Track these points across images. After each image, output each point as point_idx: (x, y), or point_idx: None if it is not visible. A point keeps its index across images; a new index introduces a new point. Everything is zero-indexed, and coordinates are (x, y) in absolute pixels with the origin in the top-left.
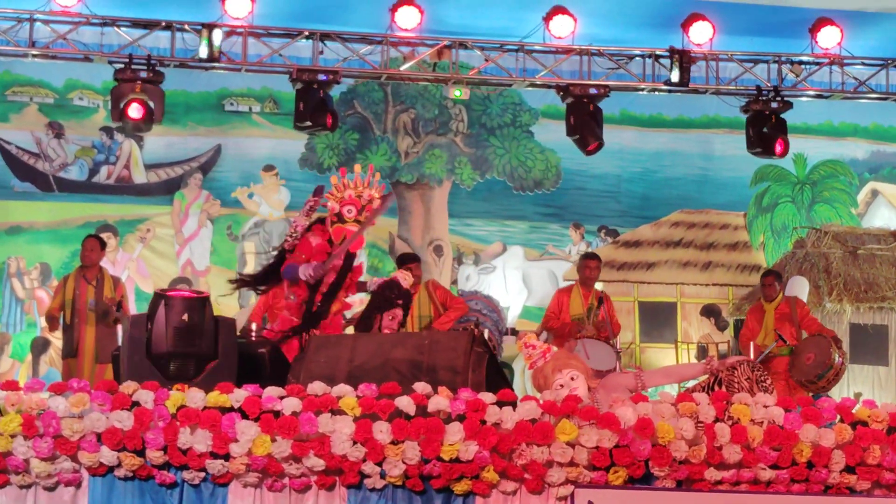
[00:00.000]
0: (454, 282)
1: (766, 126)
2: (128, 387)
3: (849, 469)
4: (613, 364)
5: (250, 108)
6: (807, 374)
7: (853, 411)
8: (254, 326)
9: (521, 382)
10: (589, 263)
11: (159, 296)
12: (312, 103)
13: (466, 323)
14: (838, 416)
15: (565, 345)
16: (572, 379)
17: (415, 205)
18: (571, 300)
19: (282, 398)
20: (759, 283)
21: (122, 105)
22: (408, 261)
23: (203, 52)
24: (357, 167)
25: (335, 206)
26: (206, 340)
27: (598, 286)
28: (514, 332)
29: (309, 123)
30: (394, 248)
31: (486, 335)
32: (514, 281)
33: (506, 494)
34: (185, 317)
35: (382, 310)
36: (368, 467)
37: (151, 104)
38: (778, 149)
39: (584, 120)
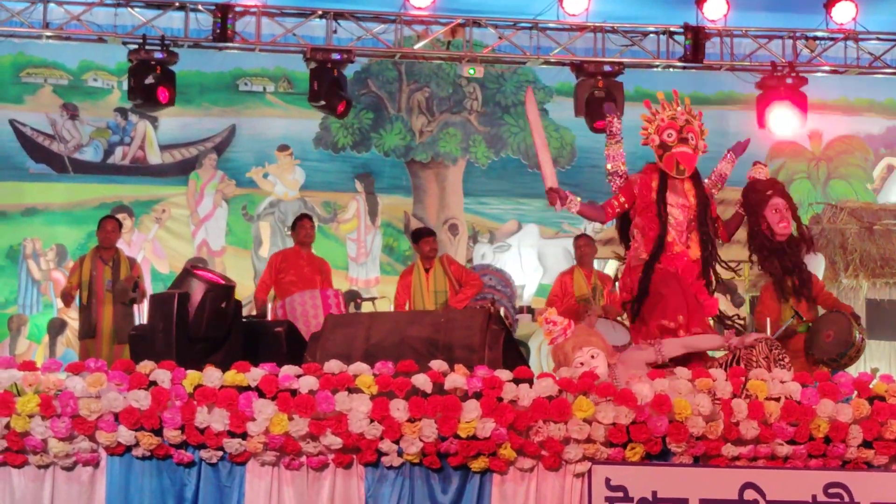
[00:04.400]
0: (469, 260)
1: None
2: (145, 367)
3: (866, 444)
4: (626, 340)
5: (264, 88)
6: (828, 352)
7: (870, 386)
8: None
9: (538, 360)
10: (577, 243)
11: (200, 279)
12: (327, 82)
13: (483, 301)
14: (855, 392)
15: (585, 320)
16: (592, 357)
17: (430, 184)
18: (575, 282)
19: (298, 377)
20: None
21: (144, 86)
22: (422, 235)
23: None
24: (660, 94)
25: (655, 138)
26: (229, 324)
27: (613, 264)
28: (529, 310)
29: (323, 103)
30: (409, 227)
31: (502, 312)
32: (530, 259)
33: (523, 471)
34: (224, 304)
35: (760, 211)
36: (385, 445)
37: (167, 83)
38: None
39: (592, 98)
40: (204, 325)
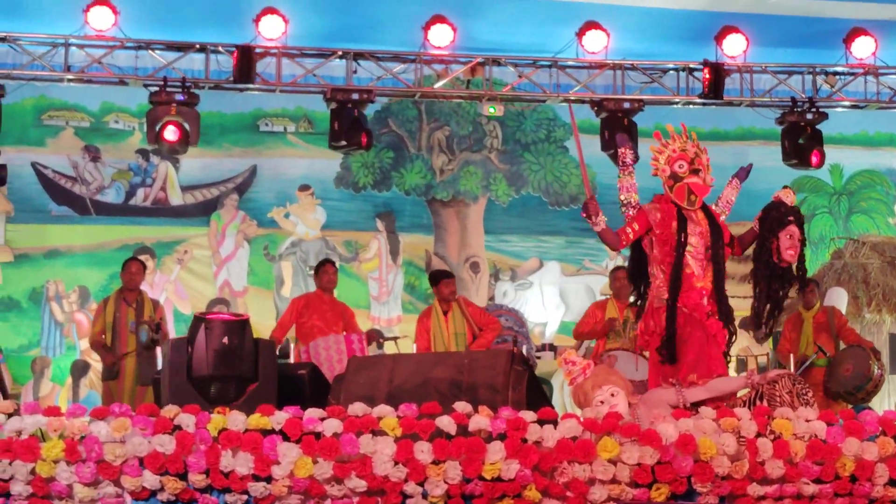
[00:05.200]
0: (491, 298)
1: (801, 137)
2: (169, 410)
3: (892, 482)
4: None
5: (285, 129)
6: (845, 385)
7: (895, 423)
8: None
9: (560, 398)
10: (615, 275)
11: (199, 319)
12: (347, 122)
13: (503, 344)
14: (881, 429)
15: (605, 360)
16: (612, 395)
17: (451, 222)
18: (607, 313)
19: (322, 420)
20: (796, 294)
21: (157, 128)
22: (442, 277)
23: (237, 74)
24: (669, 126)
25: (666, 168)
26: (245, 363)
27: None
28: (552, 347)
29: (344, 143)
30: (430, 265)
31: (524, 352)
32: (552, 296)
33: None
34: (226, 340)
35: (776, 231)
36: (410, 487)
37: (187, 126)
38: (814, 160)
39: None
40: (210, 364)
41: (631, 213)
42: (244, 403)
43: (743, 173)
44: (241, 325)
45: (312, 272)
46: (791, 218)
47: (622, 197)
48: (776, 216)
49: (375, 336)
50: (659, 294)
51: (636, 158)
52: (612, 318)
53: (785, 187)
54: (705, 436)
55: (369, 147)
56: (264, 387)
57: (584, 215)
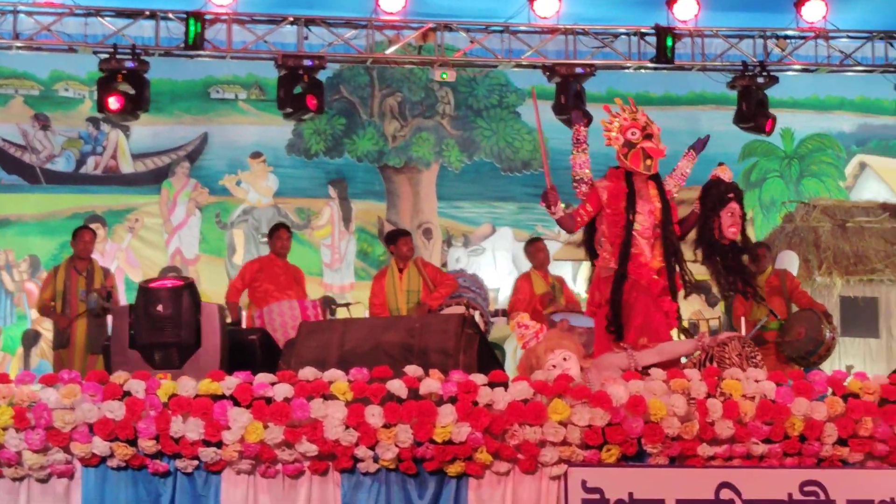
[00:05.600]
0: (444, 264)
1: (755, 102)
2: (119, 377)
3: (841, 441)
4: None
5: (236, 96)
6: (798, 350)
7: (844, 384)
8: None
9: (513, 363)
10: (533, 247)
11: (140, 288)
12: (304, 86)
13: (458, 299)
14: (830, 389)
15: (558, 325)
16: (565, 359)
17: (403, 188)
18: (534, 284)
19: (273, 384)
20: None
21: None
22: (399, 235)
23: (187, 41)
24: (617, 100)
25: (619, 137)
26: (185, 329)
27: (586, 265)
28: (504, 313)
29: (290, 109)
30: (382, 232)
31: (476, 317)
32: (504, 262)
33: (499, 475)
34: (160, 308)
35: (717, 210)
36: (361, 451)
37: (132, 92)
38: (766, 128)
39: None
40: (149, 331)
41: (584, 189)
42: (191, 369)
43: (699, 144)
44: (176, 293)
45: (265, 239)
46: (731, 195)
47: (575, 173)
48: (716, 194)
49: (328, 303)
50: (605, 265)
51: (589, 122)
52: (544, 292)
53: (721, 164)
54: (655, 397)
55: (320, 111)
56: (209, 352)
57: (544, 204)
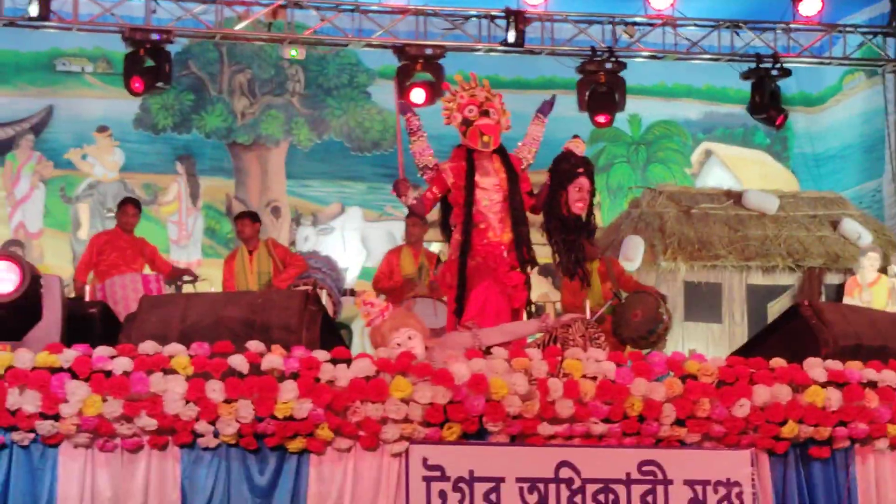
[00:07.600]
0: (292, 243)
1: (596, 90)
2: None
3: (679, 422)
4: (445, 322)
5: (83, 69)
6: (637, 330)
7: (683, 365)
8: None
9: (361, 342)
10: (408, 220)
11: None
12: (142, 63)
13: (307, 279)
14: (669, 371)
15: (403, 304)
16: (409, 338)
17: (252, 166)
18: (402, 260)
19: (112, 358)
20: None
21: None
22: (236, 218)
23: (33, 11)
24: (457, 76)
25: (457, 115)
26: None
27: (436, 247)
28: (352, 292)
29: (138, 85)
30: (231, 209)
31: (320, 294)
32: (353, 242)
33: (340, 452)
34: None
35: (565, 184)
36: (201, 426)
37: None
38: (601, 120)
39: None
40: None
41: (430, 174)
42: (31, 342)
43: (547, 107)
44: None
45: (111, 213)
46: (580, 170)
47: (418, 161)
48: (566, 168)
49: (179, 273)
50: (456, 245)
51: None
52: (409, 275)
53: (575, 137)
54: (497, 375)
55: (168, 83)
56: (50, 325)
57: (395, 193)
